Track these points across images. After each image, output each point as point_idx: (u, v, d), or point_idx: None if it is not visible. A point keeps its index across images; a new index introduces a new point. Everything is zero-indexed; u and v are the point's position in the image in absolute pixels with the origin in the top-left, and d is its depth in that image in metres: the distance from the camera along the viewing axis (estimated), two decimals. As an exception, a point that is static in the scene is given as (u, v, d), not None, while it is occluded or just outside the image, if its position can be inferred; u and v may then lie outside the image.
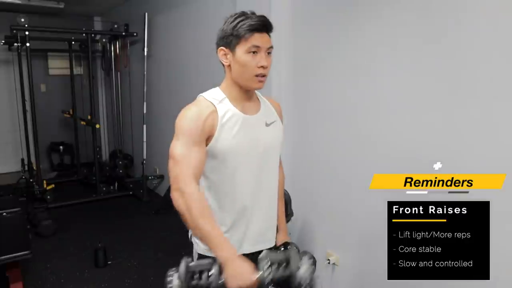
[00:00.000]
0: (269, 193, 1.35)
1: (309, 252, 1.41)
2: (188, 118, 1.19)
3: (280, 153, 1.42)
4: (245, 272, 1.03)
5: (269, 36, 1.21)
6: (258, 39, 1.17)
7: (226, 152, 1.21)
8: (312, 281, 1.12)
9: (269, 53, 1.21)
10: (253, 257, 1.34)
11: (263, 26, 1.18)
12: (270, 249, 1.45)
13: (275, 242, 1.49)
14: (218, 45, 1.24)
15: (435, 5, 1.73)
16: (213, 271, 1.05)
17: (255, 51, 1.17)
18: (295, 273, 1.09)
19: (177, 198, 1.13)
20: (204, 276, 1.06)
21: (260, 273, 1.03)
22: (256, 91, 1.33)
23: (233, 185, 1.26)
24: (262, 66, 1.18)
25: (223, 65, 1.26)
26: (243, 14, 1.20)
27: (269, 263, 1.06)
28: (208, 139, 1.20)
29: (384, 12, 1.93)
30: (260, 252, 1.34)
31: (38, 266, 2.93)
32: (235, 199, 1.27)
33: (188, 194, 1.11)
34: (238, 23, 1.17)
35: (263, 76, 1.20)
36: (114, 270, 2.94)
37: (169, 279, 1.07)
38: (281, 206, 1.52)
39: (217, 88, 1.28)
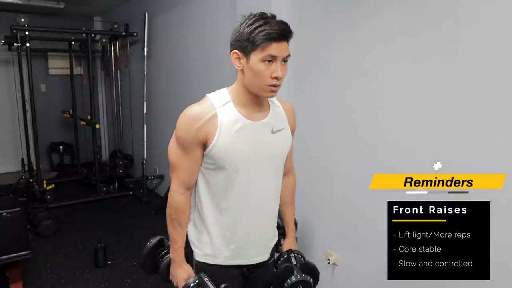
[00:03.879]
0: (270, 201, 1.32)
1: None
2: (186, 121, 1.18)
3: (290, 157, 1.40)
4: (178, 277, 1.30)
5: (288, 43, 1.14)
6: (275, 48, 1.10)
7: (223, 157, 1.18)
8: None
9: (285, 61, 1.14)
10: (255, 266, 1.35)
11: (282, 35, 1.11)
12: (275, 257, 1.45)
13: (281, 248, 1.48)
14: (232, 47, 1.16)
15: (434, 4, 1.73)
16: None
17: (270, 60, 1.11)
18: None
19: (168, 198, 1.32)
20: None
21: (187, 283, 1.26)
22: None
23: (231, 190, 1.23)
24: (276, 77, 1.12)
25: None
26: (262, 17, 1.11)
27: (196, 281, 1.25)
28: (205, 144, 1.19)
29: (384, 12, 1.93)
30: (261, 263, 1.35)
31: (38, 266, 2.93)
32: (233, 205, 1.25)
33: (173, 201, 1.29)
34: (255, 28, 1.09)
35: (276, 86, 1.15)
36: (114, 270, 2.94)
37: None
38: (292, 212, 1.49)
39: (225, 89, 1.24)
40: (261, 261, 1.35)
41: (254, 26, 1.10)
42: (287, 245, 1.48)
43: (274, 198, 1.33)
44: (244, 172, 1.21)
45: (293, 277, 1.34)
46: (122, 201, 4.52)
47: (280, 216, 1.46)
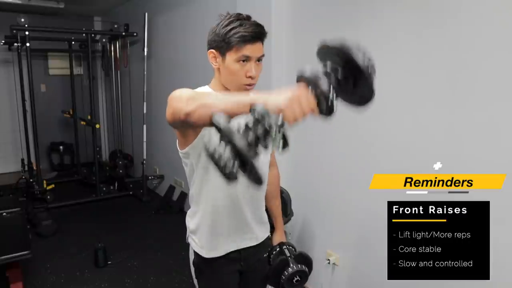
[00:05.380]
0: (257, 189, 1.30)
1: None
2: (190, 90, 1.11)
3: (273, 152, 1.40)
4: (301, 97, 0.82)
5: (262, 43, 1.18)
6: (249, 49, 1.14)
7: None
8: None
9: (259, 60, 1.19)
10: (239, 254, 1.34)
11: (256, 37, 1.14)
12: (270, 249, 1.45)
13: (272, 242, 1.49)
14: (209, 46, 1.21)
15: (435, 4, 1.73)
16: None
17: (244, 60, 1.15)
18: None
19: (193, 105, 0.93)
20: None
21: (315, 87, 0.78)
22: None
23: (219, 179, 1.24)
24: (250, 76, 1.17)
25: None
26: (237, 18, 1.15)
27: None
28: (197, 131, 1.18)
29: (385, 12, 1.93)
30: (246, 248, 1.34)
31: (38, 266, 2.93)
32: (222, 193, 1.25)
33: (187, 96, 0.97)
34: (230, 29, 1.13)
35: (251, 84, 1.19)
36: (114, 270, 2.94)
37: None
38: (278, 205, 1.51)
39: (206, 86, 1.29)
40: (246, 246, 1.34)
41: (229, 27, 1.14)
42: (277, 238, 1.49)
43: (263, 186, 1.32)
44: None
45: (289, 268, 1.36)
46: (122, 201, 4.52)
47: (267, 210, 1.47)
